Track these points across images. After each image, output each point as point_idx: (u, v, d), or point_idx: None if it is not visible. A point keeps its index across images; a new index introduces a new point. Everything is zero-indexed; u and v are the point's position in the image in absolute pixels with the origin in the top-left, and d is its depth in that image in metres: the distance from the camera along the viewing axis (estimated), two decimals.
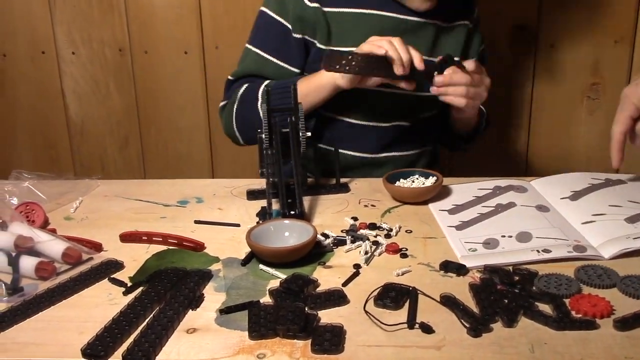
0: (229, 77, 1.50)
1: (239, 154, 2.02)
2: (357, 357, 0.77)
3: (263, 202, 1.21)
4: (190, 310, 0.88)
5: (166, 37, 1.92)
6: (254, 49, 1.46)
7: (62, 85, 1.99)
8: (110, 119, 2.02)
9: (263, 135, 1.18)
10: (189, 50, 1.93)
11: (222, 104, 1.51)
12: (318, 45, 1.41)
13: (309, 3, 1.39)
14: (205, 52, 1.93)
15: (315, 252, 1.03)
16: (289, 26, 1.41)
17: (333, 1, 1.39)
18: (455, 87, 1.27)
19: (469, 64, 1.29)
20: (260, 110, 1.35)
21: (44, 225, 1.16)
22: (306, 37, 1.42)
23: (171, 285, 0.93)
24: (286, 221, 1.08)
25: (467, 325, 0.82)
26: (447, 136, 1.55)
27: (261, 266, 0.99)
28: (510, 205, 1.16)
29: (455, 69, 1.27)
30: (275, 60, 1.44)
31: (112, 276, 0.98)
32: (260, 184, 1.31)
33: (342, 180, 1.33)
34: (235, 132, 1.46)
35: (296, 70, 1.44)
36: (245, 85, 1.43)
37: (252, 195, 1.27)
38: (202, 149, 2.03)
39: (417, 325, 0.83)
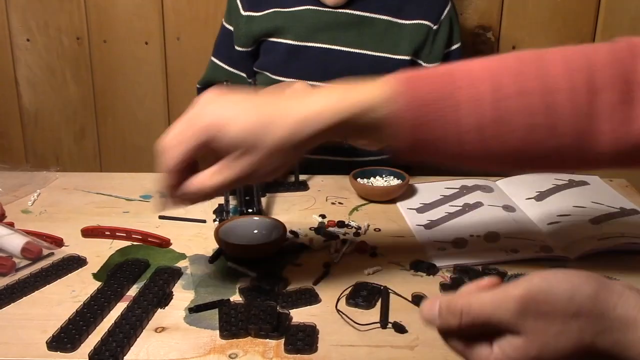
0: (197, 85, 1.56)
1: None
2: (330, 357, 0.76)
3: (219, 200, 1.18)
4: (160, 308, 0.86)
5: (126, 27, 1.87)
6: (212, 57, 1.53)
7: (15, 73, 1.93)
8: (65, 109, 1.96)
9: None
10: (150, 41, 1.89)
11: None
12: (271, 40, 1.43)
13: (243, 12, 1.43)
14: (167, 43, 1.89)
15: (285, 249, 1.02)
16: (232, 34, 1.47)
17: (268, 3, 1.43)
18: None
19: None
20: None
21: (1, 219, 1.12)
22: (248, 49, 1.46)
23: (134, 278, 0.92)
24: (255, 218, 1.06)
25: None
26: None
27: (230, 264, 0.97)
28: (478, 205, 1.17)
29: None
30: (225, 66, 1.50)
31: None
32: None
33: (302, 177, 1.32)
34: None
35: (244, 75, 1.48)
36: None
37: None
38: None
39: (390, 325, 0.82)
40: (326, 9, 1.40)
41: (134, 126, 1.98)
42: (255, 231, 1.03)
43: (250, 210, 1.11)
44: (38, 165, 1.36)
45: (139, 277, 0.93)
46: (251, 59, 1.47)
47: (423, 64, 1.43)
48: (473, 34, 1.86)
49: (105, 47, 1.89)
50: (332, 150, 1.43)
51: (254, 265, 0.97)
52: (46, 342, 0.77)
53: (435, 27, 1.41)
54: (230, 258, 0.99)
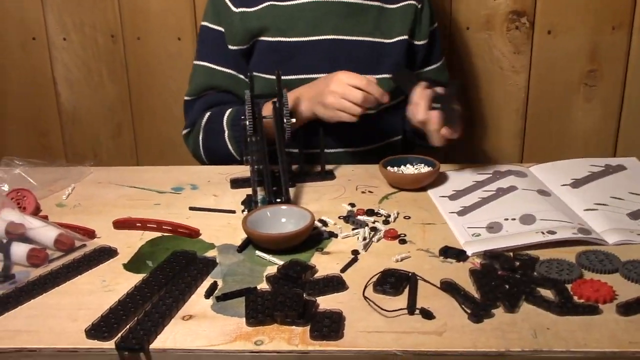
0: (185, 98, 1.51)
1: None
2: (357, 343, 0.76)
3: (248, 190, 1.18)
4: (204, 298, 0.87)
5: (159, 23, 1.89)
6: (201, 62, 1.47)
7: (53, 72, 1.96)
8: (102, 106, 1.99)
9: (247, 123, 1.15)
10: (182, 36, 1.90)
11: (185, 131, 1.52)
12: (268, 39, 1.40)
13: (234, 9, 1.40)
14: None
15: (313, 238, 1.02)
16: (224, 35, 1.43)
17: None
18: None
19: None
20: (228, 142, 1.37)
21: (36, 212, 1.14)
22: (243, 47, 1.42)
23: (180, 268, 0.92)
24: (283, 207, 1.06)
25: (469, 311, 0.81)
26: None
27: (258, 253, 0.97)
28: (512, 189, 1.15)
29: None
30: (223, 69, 1.45)
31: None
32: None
33: (329, 167, 1.31)
34: (204, 160, 1.47)
35: (243, 77, 1.44)
36: (207, 115, 1.43)
37: (236, 183, 1.25)
38: None
39: (417, 311, 0.81)
40: (323, 0, 1.39)
41: (170, 121, 1.99)
42: (284, 220, 1.03)
43: (278, 200, 1.11)
44: (77, 163, 1.39)
45: (184, 269, 0.93)
46: (245, 59, 1.43)
47: (415, 42, 1.47)
48: (507, 20, 1.83)
49: (139, 44, 1.91)
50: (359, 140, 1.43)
51: (282, 254, 0.97)
52: (85, 331, 0.78)
53: (419, 6, 1.46)
54: (258, 247, 0.99)
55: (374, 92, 1.22)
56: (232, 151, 1.37)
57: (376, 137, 1.47)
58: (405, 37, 1.44)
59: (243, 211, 1.13)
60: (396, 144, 1.51)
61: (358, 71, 1.27)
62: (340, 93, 1.23)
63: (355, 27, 1.40)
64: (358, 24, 1.41)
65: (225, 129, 1.36)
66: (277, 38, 1.39)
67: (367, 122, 1.32)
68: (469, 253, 0.95)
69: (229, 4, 1.41)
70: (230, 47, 1.42)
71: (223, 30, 1.43)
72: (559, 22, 1.83)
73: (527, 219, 1.03)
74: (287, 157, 1.18)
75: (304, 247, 0.99)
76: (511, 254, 0.95)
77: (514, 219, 1.04)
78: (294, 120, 1.20)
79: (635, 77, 1.87)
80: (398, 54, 1.43)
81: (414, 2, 1.45)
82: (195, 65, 1.49)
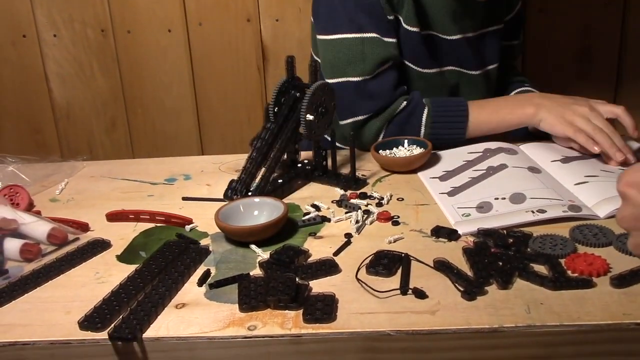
0: (354, 79, 1.30)
1: (228, 132, 1.99)
2: (349, 324, 0.76)
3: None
4: (197, 286, 0.86)
5: (148, 16, 1.88)
6: (367, 35, 1.30)
7: (45, 69, 1.96)
8: (95, 101, 1.99)
9: (271, 105, 1.13)
10: (172, 28, 1.89)
11: (363, 117, 1.31)
12: (405, 26, 1.34)
13: None
14: (189, 29, 1.89)
15: (306, 223, 1.01)
16: (382, 5, 1.30)
17: None
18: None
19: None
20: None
21: (29, 208, 1.14)
22: (397, 15, 1.33)
23: (173, 257, 0.92)
24: (256, 199, 1.05)
25: (462, 289, 0.80)
26: None
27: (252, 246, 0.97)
28: (502, 167, 1.14)
29: None
30: (393, 40, 1.32)
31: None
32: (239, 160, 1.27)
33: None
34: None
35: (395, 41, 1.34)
36: (403, 104, 1.31)
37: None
38: (191, 127, 2.00)
39: (410, 291, 0.81)
40: None
41: (163, 114, 1.99)
42: (256, 212, 1.02)
43: (250, 192, 1.08)
44: (72, 159, 1.39)
45: (177, 258, 0.92)
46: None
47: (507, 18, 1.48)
48: None
49: (129, 38, 1.91)
50: None
51: (276, 241, 0.96)
52: (78, 322, 0.78)
53: None
54: (231, 240, 0.98)
55: (618, 142, 1.17)
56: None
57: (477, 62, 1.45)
58: (501, 25, 1.44)
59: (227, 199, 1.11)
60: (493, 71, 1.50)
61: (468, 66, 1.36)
62: (589, 118, 1.19)
63: (469, 24, 1.40)
64: (471, 20, 1.40)
65: (423, 128, 1.31)
66: (414, 28, 1.35)
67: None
68: (460, 233, 0.95)
69: None
70: (388, 16, 1.31)
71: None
72: (551, 0, 1.82)
73: (517, 198, 1.03)
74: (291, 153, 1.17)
75: (296, 232, 0.99)
76: (504, 231, 0.94)
77: (504, 198, 1.03)
78: (310, 117, 1.11)
79: (630, 53, 1.86)
80: (497, 43, 1.45)
81: None
82: (354, 39, 1.30)
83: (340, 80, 1.31)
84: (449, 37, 1.38)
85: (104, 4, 1.87)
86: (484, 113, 1.30)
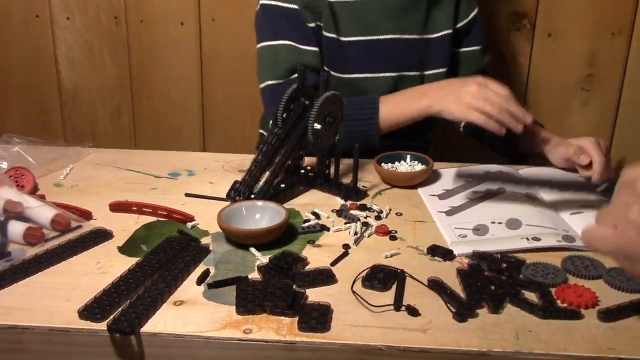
0: (268, 83, 1.39)
1: (231, 130, 2.01)
2: (343, 336, 0.77)
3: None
4: (196, 284, 0.88)
5: (162, 7, 1.90)
6: (281, 42, 1.38)
7: (55, 51, 1.97)
8: (103, 87, 2.00)
9: (279, 111, 1.15)
10: (185, 22, 1.91)
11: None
12: (324, 33, 1.40)
13: None
14: (202, 23, 1.91)
15: (306, 230, 1.03)
16: (301, 14, 1.37)
17: None
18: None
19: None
20: None
21: (33, 191, 1.15)
22: (317, 23, 1.39)
23: (174, 254, 0.94)
24: (258, 203, 1.06)
25: (453, 310, 0.83)
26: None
27: (252, 249, 0.98)
28: (500, 190, 1.17)
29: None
30: (309, 48, 1.39)
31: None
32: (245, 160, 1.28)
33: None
34: None
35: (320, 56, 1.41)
36: None
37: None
38: (194, 122, 2.02)
39: (403, 308, 0.83)
40: None
41: (169, 106, 2.01)
42: (257, 216, 1.03)
43: (253, 195, 1.10)
44: (75, 142, 1.40)
45: (178, 255, 0.94)
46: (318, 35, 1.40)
47: (457, 27, 1.49)
48: (508, 20, 1.85)
49: (142, 27, 1.92)
50: None
51: (274, 246, 0.98)
52: (78, 311, 0.80)
53: None
54: (231, 242, 1.00)
55: (515, 110, 1.21)
56: None
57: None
58: (450, 30, 1.46)
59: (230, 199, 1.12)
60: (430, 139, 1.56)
61: (411, 69, 1.37)
62: (482, 96, 1.22)
63: (406, 25, 1.42)
64: (410, 20, 1.42)
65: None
66: (332, 35, 1.40)
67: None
68: (455, 253, 0.97)
69: None
70: (309, 24, 1.39)
71: (295, 7, 1.37)
72: (559, 26, 1.85)
73: (513, 224, 1.05)
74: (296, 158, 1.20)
75: (295, 238, 1.01)
76: (499, 255, 0.96)
77: (501, 223, 1.06)
78: (318, 126, 1.13)
79: (632, 83, 1.89)
80: (445, 49, 1.47)
81: None
82: (268, 47, 1.39)
83: (261, 85, 1.42)
84: (377, 38, 1.42)
85: None
86: (389, 107, 1.33)
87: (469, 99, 1.22)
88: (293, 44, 1.38)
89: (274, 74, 1.38)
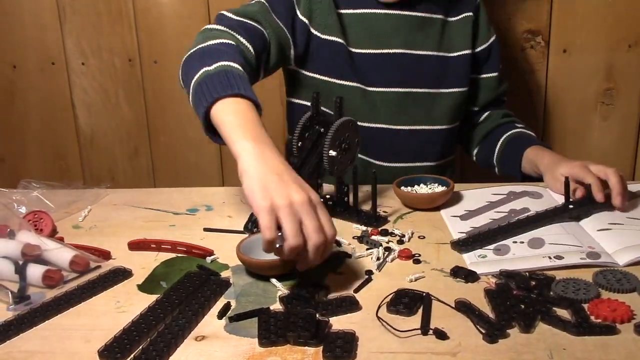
0: (224, 11, 1.34)
1: None
2: None
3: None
4: (217, 318, 0.86)
5: (175, 47, 1.91)
6: (265, 1, 1.35)
7: (72, 96, 1.99)
8: (119, 129, 2.01)
9: (294, 139, 1.14)
10: None
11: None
12: (327, 37, 1.39)
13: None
14: None
15: (327, 258, 1.01)
16: (296, 6, 1.37)
17: (341, 2, 1.39)
18: None
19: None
20: (194, 82, 1.13)
21: (52, 234, 1.15)
22: (310, 22, 1.38)
23: (194, 289, 0.92)
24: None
25: (483, 331, 0.80)
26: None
27: (272, 280, 0.96)
28: (524, 210, 1.14)
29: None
30: (277, 21, 1.35)
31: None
32: None
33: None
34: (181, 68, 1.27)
35: (291, 44, 1.38)
36: (228, 42, 1.24)
37: None
38: (212, 158, 2.02)
39: (431, 331, 0.80)
40: (394, 12, 1.40)
41: (186, 144, 2.01)
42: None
43: None
44: (94, 185, 1.40)
45: (198, 290, 0.93)
46: (279, 49, 1.35)
47: (477, 51, 1.50)
48: (522, 39, 1.83)
49: (156, 68, 1.94)
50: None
51: (295, 276, 0.96)
52: (98, 352, 0.78)
53: (475, 17, 1.48)
54: (250, 273, 0.98)
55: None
56: (190, 90, 1.15)
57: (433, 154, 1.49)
58: (468, 51, 1.46)
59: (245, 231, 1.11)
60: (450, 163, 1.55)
61: (424, 85, 1.38)
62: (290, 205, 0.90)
63: (420, 41, 1.42)
64: (425, 36, 1.42)
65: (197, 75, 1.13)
66: (340, 40, 1.39)
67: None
68: (478, 274, 0.94)
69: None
70: (300, 17, 1.38)
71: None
72: (574, 41, 1.83)
73: (536, 243, 1.02)
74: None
75: (317, 267, 0.99)
76: (527, 273, 0.94)
77: (523, 242, 1.03)
78: (334, 153, 1.11)
79: None
80: (462, 68, 1.46)
81: (470, 13, 1.47)
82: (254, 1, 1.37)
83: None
84: (387, 52, 1.41)
85: (132, 34, 1.90)
86: (228, 117, 1.04)
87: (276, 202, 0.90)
88: (267, 5, 1.35)
89: (235, 9, 1.33)
